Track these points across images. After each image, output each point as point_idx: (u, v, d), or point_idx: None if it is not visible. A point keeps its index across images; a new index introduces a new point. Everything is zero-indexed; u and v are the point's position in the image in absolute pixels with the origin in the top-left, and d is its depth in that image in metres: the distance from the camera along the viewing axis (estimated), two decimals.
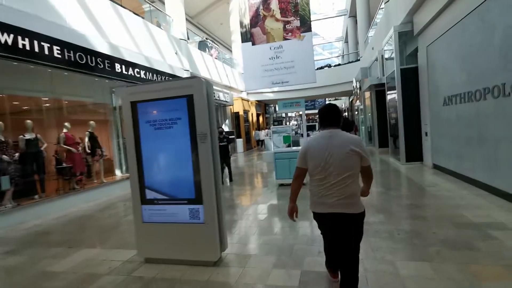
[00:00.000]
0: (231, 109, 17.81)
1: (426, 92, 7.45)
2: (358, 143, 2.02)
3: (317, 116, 2.38)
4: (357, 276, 2.08)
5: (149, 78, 9.24)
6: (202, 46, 16.01)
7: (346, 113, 32.77)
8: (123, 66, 7.94)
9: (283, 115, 34.70)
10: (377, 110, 12.99)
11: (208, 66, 14.49)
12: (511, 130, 4.16)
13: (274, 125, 11.28)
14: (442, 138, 6.79)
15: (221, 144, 6.53)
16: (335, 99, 42.81)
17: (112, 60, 7.53)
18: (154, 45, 10.16)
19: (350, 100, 26.26)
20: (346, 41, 28.09)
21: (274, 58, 11.47)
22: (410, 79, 8.10)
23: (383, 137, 12.71)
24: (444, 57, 6.40)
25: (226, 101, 16.06)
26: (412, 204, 4.62)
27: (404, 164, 8.26)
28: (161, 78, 9.86)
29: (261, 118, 23.37)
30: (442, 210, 4.24)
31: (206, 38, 19.39)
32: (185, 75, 11.94)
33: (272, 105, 28.50)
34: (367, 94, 14.89)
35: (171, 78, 10.38)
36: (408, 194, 5.27)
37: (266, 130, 20.23)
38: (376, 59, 12.32)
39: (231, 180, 7.81)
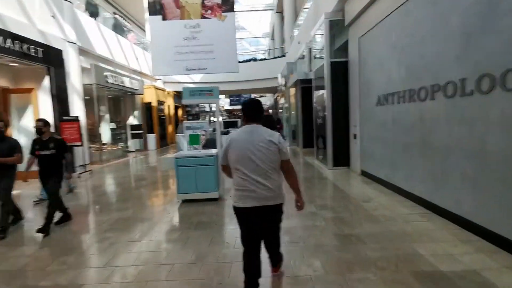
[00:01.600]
0: (141, 98, 15.06)
1: (357, 89, 6.66)
2: (277, 138, 2.12)
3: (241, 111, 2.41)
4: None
5: (5, 46, 6.32)
6: (108, 23, 12.82)
7: (271, 111, 32.72)
8: None
9: (207, 108, 32.69)
10: (302, 108, 12.28)
11: (108, 43, 11.57)
12: (468, 137, 3.30)
13: (189, 119, 9.31)
14: (373, 143, 6.03)
15: (41, 153, 4.07)
16: (260, 96, 42.89)
17: None
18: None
19: (275, 97, 25.94)
20: (273, 38, 27.65)
21: (190, 39, 9.48)
22: (340, 74, 7.25)
23: (307, 137, 12.08)
24: (379, 49, 5.57)
25: (135, 89, 13.33)
26: (353, 236, 3.44)
27: (331, 169, 7.42)
28: (27, 48, 6.94)
29: (180, 111, 20.94)
30: (388, 244, 3.14)
31: (114, 13, 16.01)
32: (68, 48, 8.99)
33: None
34: (292, 91, 14.18)
35: (41, 49, 7.49)
36: (344, 217, 4.14)
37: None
38: (303, 56, 11.54)
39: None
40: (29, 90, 7.81)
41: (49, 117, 8.07)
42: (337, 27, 7.36)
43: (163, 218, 4.39)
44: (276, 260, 2.50)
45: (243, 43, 38.30)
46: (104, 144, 11.57)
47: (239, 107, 36.58)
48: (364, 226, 3.70)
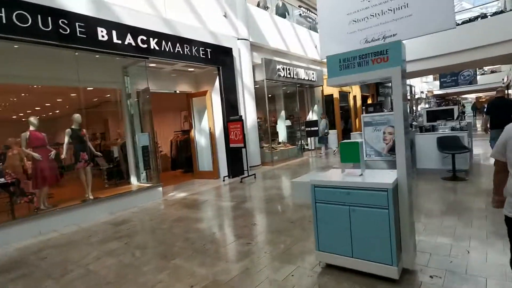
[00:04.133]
0: (322, 90, 13.52)
1: None
2: None
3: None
4: None
5: (175, 51, 6.56)
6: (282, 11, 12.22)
7: (508, 91, 22.07)
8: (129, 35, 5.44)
9: (408, 95, 26.77)
10: None
11: (283, 34, 10.73)
12: None
13: (368, 111, 6.65)
14: None
15: None
16: (491, 72, 30.47)
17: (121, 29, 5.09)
18: (184, 3, 7.31)
19: None
20: None
21: None
22: None
23: None
24: None
25: (312, 81, 11.95)
26: None
27: None
28: (196, 50, 7.02)
29: (369, 101, 17.77)
30: None
31: (299, 6, 15.42)
32: (240, 45, 8.71)
33: (390, 83, 21.90)
34: None
35: (209, 49, 7.38)
36: None
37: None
38: None
39: None
40: (204, 93, 8.03)
41: (219, 117, 8.02)
42: None
43: None
44: None
45: (464, 5, 28.36)
46: (279, 143, 10.96)
47: (454, 90, 27.60)
48: None
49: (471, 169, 5.92)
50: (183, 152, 9.55)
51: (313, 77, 11.87)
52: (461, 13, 19.14)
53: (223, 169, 8.04)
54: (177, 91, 8.37)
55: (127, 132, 6.80)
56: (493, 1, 19.57)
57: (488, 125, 6.14)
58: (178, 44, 6.63)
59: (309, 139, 12.52)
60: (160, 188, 6.44)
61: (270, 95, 12.26)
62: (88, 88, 6.69)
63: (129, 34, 5.66)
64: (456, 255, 2.77)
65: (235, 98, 8.26)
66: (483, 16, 13.46)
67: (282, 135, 11.59)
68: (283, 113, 11.63)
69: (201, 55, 7.19)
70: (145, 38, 5.95)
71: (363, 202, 2.41)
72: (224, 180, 7.71)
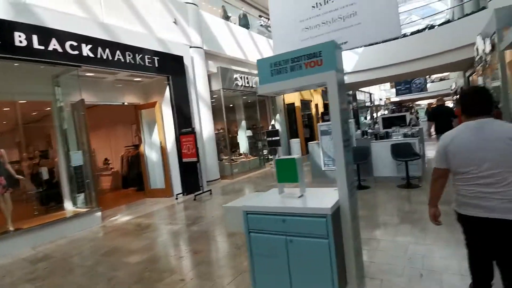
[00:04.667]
0: (283, 99, 13.41)
1: None
2: None
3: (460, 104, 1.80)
4: None
5: (114, 58, 5.93)
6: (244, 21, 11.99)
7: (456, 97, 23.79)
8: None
9: (367, 102, 27.84)
10: None
11: (241, 43, 10.46)
12: None
13: (324, 119, 6.43)
14: None
15: None
16: (440, 79, 32.82)
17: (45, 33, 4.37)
18: (127, 8, 6.73)
19: (468, 75, 18.17)
20: None
21: (320, 4, 6.62)
22: None
23: None
24: None
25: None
26: None
27: None
28: (139, 58, 6.43)
29: None
30: None
31: (260, 16, 15.35)
32: (193, 54, 8.27)
33: (350, 91, 22.57)
34: (511, 54, 8.28)
35: (156, 58, 6.84)
36: None
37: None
38: None
39: None
40: (153, 104, 7.42)
41: (171, 130, 7.44)
42: None
43: None
44: None
45: (413, 18, 30.41)
46: (240, 154, 10.54)
47: (409, 97, 29.24)
48: None
49: (424, 175, 5.92)
50: (135, 168, 8.77)
51: None
52: (411, 26, 20.37)
53: (177, 186, 7.42)
54: (125, 103, 7.68)
55: (59, 150, 5.97)
56: (441, 11, 21.02)
57: (432, 130, 6.59)
58: (118, 52, 6.02)
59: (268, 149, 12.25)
60: (99, 213, 5.69)
61: (231, 105, 11.89)
62: (20, 102, 5.86)
63: (54, 39, 4.97)
64: (409, 280, 2.49)
65: (188, 109, 7.73)
66: (431, 27, 14.27)
67: (244, 146, 11.20)
68: (243, 123, 11.27)
69: (147, 64, 6.63)
70: (75, 44, 5.29)
71: (300, 230, 2.03)
72: (177, 198, 7.09)
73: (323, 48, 2.08)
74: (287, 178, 2.32)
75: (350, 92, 23.09)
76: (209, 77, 8.99)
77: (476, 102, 1.77)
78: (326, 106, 17.11)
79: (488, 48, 9.50)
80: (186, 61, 7.90)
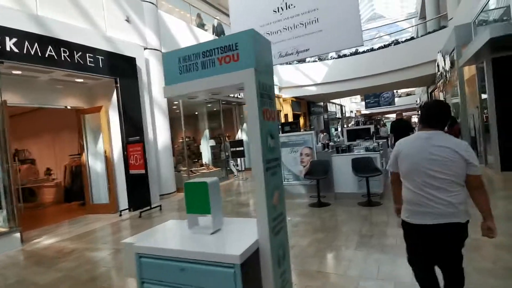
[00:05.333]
0: None
1: None
2: (464, 147, 1.76)
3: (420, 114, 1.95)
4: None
5: (45, 55, 5.15)
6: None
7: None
8: None
9: (339, 114, 28.23)
10: (496, 98, 6.70)
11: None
12: None
13: (284, 130, 5.96)
14: None
15: None
16: (407, 95, 34.26)
17: None
18: (68, 1, 6.00)
19: (430, 91, 18.89)
20: (423, 16, 20.48)
21: (282, 9, 6.29)
22: None
23: (507, 150, 6.47)
24: None
25: (240, 98, 11.30)
26: None
27: None
28: (79, 57, 5.69)
29: (302, 120, 17.95)
30: None
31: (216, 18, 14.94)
32: (149, 56, 7.64)
33: (322, 102, 22.72)
34: (469, 71, 8.45)
35: (101, 57, 6.13)
36: None
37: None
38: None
39: None
40: (98, 109, 6.65)
41: (118, 138, 6.68)
42: None
43: None
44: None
45: (380, 34, 31.75)
46: (202, 165, 9.90)
47: (379, 110, 30.11)
48: None
49: (386, 191, 5.63)
50: (80, 180, 7.83)
51: (239, 94, 11.24)
52: (380, 42, 21.00)
53: (124, 201, 6.63)
54: (68, 107, 6.84)
55: None
56: (407, 28, 21.75)
57: (393, 142, 6.75)
58: (50, 47, 5.25)
59: (238, 160, 11.70)
60: (17, 234, 4.80)
61: (195, 113, 11.28)
62: None
63: None
64: None
65: (139, 115, 7.02)
66: (396, 42, 14.63)
67: (206, 156, 10.56)
68: (207, 132, 10.67)
69: (88, 63, 5.89)
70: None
71: (201, 285, 1.48)
72: (121, 215, 6.30)
73: (240, 38, 1.58)
74: (197, 208, 1.78)
75: (322, 104, 23.31)
76: None
77: (433, 115, 1.86)
78: (296, 116, 16.96)
79: (448, 64, 9.72)
80: (140, 63, 7.23)
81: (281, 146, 6.24)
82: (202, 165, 9.85)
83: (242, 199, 7.13)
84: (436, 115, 1.85)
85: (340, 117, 28.60)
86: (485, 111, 7.44)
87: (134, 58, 7.03)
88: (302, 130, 7.82)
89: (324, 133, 13.50)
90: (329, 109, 24.75)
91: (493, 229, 1.75)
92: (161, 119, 7.89)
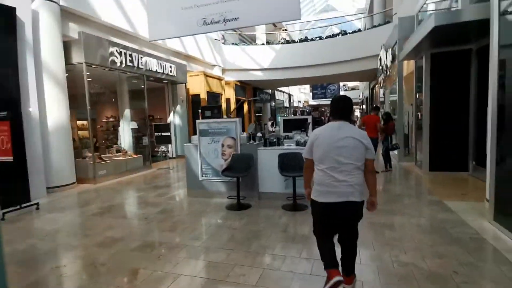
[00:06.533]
0: (187, 89, 11.63)
1: None
2: (364, 136, 2.12)
3: (330, 107, 2.31)
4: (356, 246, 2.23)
5: None
6: None
7: (364, 107, 25.74)
8: None
9: (287, 103, 27.96)
10: (431, 95, 6.48)
11: (127, 9, 8.24)
12: None
13: (204, 115, 4.78)
14: None
15: None
16: (352, 89, 35.55)
17: None
18: None
19: (372, 87, 19.41)
20: (372, 12, 20.71)
21: None
22: None
23: (443, 149, 6.34)
24: None
25: (170, 75, 9.82)
26: None
27: None
28: None
29: (246, 107, 17.03)
30: None
31: None
32: (40, 8, 5.82)
33: (269, 90, 22.04)
34: (408, 66, 8.27)
35: None
36: None
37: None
38: None
39: None
40: None
41: None
42: None
43: None
44: (350, 266, 2.23)
45: (333, 29, 31.98)
46: (118, 151, 8.37)
47: (325, 101, 30.62)
48: None
49: None
50: None
51: (171, 71, 9.77)
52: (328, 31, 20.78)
53: None
54: None
55: None
56: (353, 20, 21.88)
57: None
58: None
59: (169, 146, 10.32)
60: None
61: (114, 91, 9.52)
62: None
63: None
64: None
65: (14, 83, 5.27)
66: (344, 33, 14.36)
67: (127, 141, 9.01)
68: (127, 112, 9.07)
69: None
70: None
71: None
72: None
73: None
74: None
75: (269, 91, 22.64)
76: (68, 44, 6.61)
77: (340, 108, 2.20)
78: (240, 102, 15.95)
79: (389, 59, 9.52)
80: (23, 16, 5.44)
81: (200, 134, 5.18)
82: (118, 151, 8.32)
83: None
84: (343, 108, 2.18)
85: (288, 106, 28.43)
86: (420, 107, 7.28)
87: (14, 8, 5.21)
88: (225, 116, 6.85)
89: (272, 121, 12.76)
90: (277, 98, 24.24)
91: (375, 203, 2.18)
92: (55, 92, 6.20)
